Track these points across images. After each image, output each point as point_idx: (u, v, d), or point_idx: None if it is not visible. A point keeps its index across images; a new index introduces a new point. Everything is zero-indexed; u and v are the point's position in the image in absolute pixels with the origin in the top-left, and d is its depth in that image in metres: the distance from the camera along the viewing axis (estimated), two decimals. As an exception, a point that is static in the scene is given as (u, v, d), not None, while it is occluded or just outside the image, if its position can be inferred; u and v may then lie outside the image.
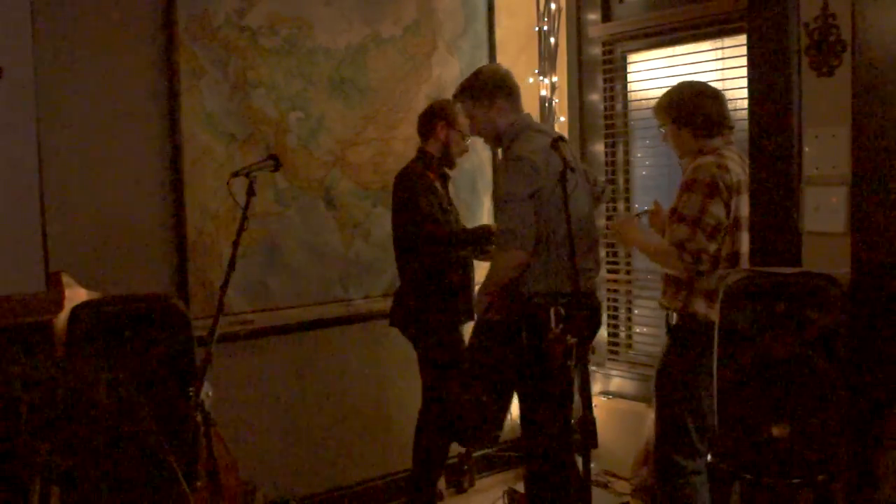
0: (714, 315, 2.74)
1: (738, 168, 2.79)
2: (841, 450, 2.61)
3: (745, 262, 2.79)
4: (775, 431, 2.63)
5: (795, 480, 2.63)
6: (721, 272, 2.72)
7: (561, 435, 2.97)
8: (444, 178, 3.52)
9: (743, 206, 2.78)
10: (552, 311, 2.73)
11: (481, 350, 2.97)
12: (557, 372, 2.84)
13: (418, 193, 3.31)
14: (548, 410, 2.93)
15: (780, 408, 2.62)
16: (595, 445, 2.23)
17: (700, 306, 2.75)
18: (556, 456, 2.94)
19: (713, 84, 3.66)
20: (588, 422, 2.23)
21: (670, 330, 2.88)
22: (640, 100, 4.04)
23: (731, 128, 2.92)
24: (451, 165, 3.51)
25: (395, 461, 3.74)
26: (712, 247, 2.69)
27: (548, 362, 2.78)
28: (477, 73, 3.10)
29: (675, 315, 2.86)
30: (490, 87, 3.01)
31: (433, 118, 3.45)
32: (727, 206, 2.71)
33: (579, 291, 2.83)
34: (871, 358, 2.75)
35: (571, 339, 2.68)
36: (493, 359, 2.94)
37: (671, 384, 2.82)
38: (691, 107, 2.85)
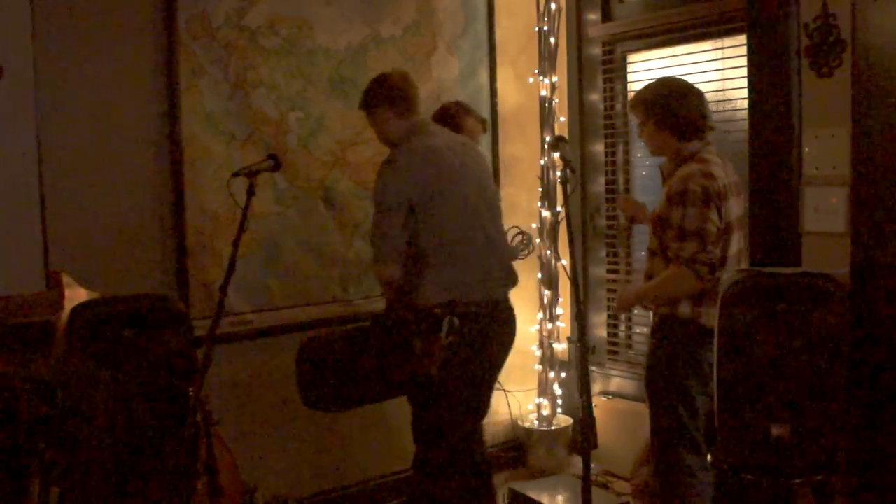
0: (701, 316, 2.73)
1: (721, 172, 2.74)
2: (841, 450, 2.61)
3: (733, 264, 2.77)
4: (775, 431, 2.62)
5: (795, 480, 2.63)
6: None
7: (456, 447, 2.91)
8: None
9: (733, 209, 2.75)
10: (446, 320, 2.68)
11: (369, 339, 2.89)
12: (439, 381, 2.76)
13: None
14: (441, 420, 2.87)
15: (780, 408, 2.62)
16: (595, 445, 2.22)
17: (686, 309, 2.73)
18: (442, 467, 2.88)
19: (713, 84, 3.68)
20: (588, 422, 2.22)
21: (653, 331, 2.88)
22: (640, 100, 4.03)
23: (712, 128, 2.86)
24: None
25: (395, 461, 3.73)
26: (718, 253, 2.69)
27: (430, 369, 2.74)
28: (370, 82, 3.04)
29: (656, 317, 2.86)
30: (374, 95, 2.96)
31: (440, 122, 3.44)
32: (719, 212, 2.68)
33: (486, 301, 2.81)
34: (871, 358, 2.76)
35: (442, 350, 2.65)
36: (369, 352, 2.87)
37: (662, 383, 2.81)
38: (674, 107, 2.78)
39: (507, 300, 3.00)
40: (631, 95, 3.27)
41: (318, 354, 2.90)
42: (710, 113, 2.86)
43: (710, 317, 2.69)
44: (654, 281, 2.81)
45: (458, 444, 2.90)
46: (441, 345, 2.67)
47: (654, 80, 2.95)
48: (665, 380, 2.79)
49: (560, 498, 3.64)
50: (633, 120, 3.09)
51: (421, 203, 2.76)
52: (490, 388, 3.06)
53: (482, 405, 3.05)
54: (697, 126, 2.78)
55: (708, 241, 2.64)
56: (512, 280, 3.01)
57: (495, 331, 2.92)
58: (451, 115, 3.42)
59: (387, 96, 2.94)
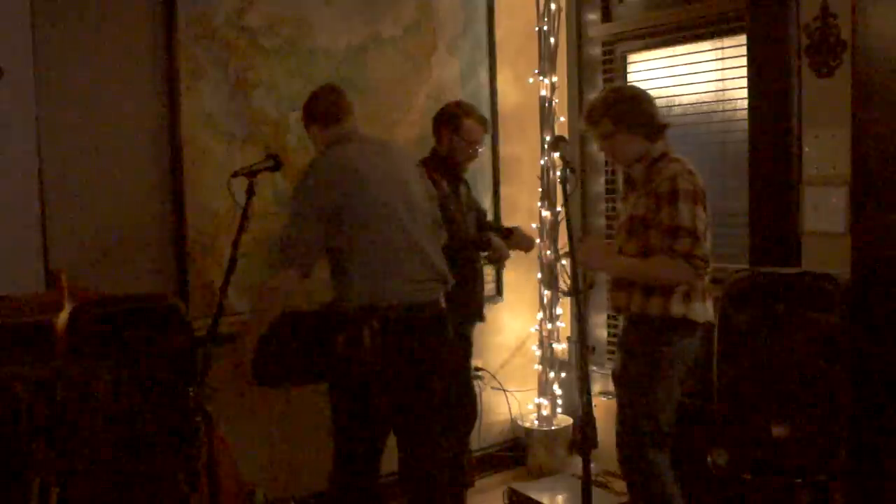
0: (690, 312, 2.68)
1: (695, 170, 2.73)
2: (841, 450, 2.61)
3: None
4: (775, 431, 2.63)
5: (795, 480, 2.63)
6: None
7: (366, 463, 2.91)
8: (455, 179, 3.45)
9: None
10: (365, 326, 2.67)
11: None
12: (374, 389, 2.77)
13: None
14: (356, 428, 2.86)
15: (780, 408, 2.63)
16: (595, 445, 2.22)
17: (679, 308, 2.69)
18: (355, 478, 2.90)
19: (713, 84, 3.69)
20: (588, 422, 2.22)
21: (636, 330, 2.80)
22: (640, 100, 4.03)
23: (668, 125, 2.82)
24: (457, 170, 3.45)
25: (394, 461, 3.73)
26: (709, 248, 2.67)
27: (354, 377, 2.74)
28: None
29: (635, 315, 2.77)
30: (305, 115, 2.96)
31: (440, 123, 3.43)
32: (704, 208, 2.67)
33: (409, 304, 2.75)
34: (871, 358, 2.76)
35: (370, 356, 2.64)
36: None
37: (648, 383, 2.75)
38: (642, 109, 2.76)
39: (434, 303, 2.89)
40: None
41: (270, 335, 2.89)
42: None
43: (698, 312, 2.69)
44: (643, 261, 2.71)
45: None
46: (365, 348, 2.68)
47: (603, 91, 2.87)
48: (651, 380, 2.74)
49: (560, 498, 3.64)
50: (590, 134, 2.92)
51: (334, 210, 2.73)
52: (427, 394, 2.92)
53: (420, 412, 2.93)
54: (660, 126, 2.77)
55: (700, 236, 2.63)
56: (441, 281, 2.91)
57: (421, 334, 2.83)
58: (451, 116, 3.41)
59: (314, 114, 2.93)
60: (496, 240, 3.50)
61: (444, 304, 2.93)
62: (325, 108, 2.91)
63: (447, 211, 3.33)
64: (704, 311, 2.73)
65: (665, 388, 2.74)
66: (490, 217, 4.04)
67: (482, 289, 3.63)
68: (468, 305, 3.45)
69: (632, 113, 2.75)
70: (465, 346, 3.53)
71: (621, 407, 2.89)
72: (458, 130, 3.37)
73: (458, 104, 3.49)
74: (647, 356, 2.76)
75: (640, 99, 2.80)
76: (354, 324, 2.71)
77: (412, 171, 3.00)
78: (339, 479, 2.92)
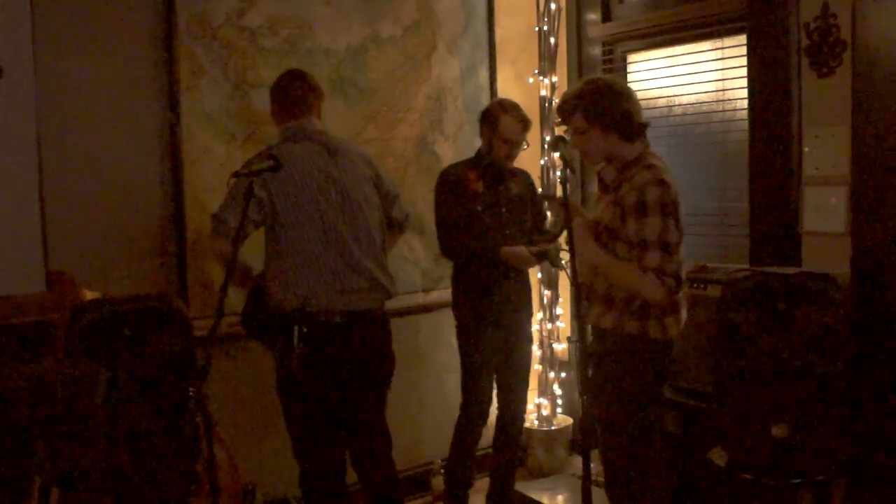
0: (667, 329, 2.51)
1: (671, 178, 2.48)
2: (841, 450, 2.61)
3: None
4: (775, 431, 2.63)
5: (795, 480, 2.63)
6: None
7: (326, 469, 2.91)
8: (494, 178, 3.40)
9: (682, 217, 2.53)
10: (295, 328, 2.68)
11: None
12: (310, 392, 2.77)
13: (440, 194, 3.36)
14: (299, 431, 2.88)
15: (780, 408, 2.63)
16: (595, 445, 2.22)
17: (633, 326, 2.52)
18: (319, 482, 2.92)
19: (713, 84, 3.69)
20: (588, 422, 2.22)
21: (610, 352, 2.58)
22: (640, 100, 4.03)
23: (647, 125, 2.62)
24: (497, 169, 3.39)
25: (395, 461, 3.73)
26: (681, 261, 2.48)
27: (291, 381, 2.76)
28: None
29: (610, 335, 2.58)
30: (271, 97, 2.94)
31: (482, 122, 3.40)
32: (676, 221, 2.46)
33: (343, 311, 2.75)
34: (872, 357, 2.76)
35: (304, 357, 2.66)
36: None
37: (630, 409, 2.56)
38: (613, 108, 2.53)
39: (371, 311, 2.87)
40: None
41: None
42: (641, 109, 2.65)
43: (673, 327, 2.54)
44: (620, 262, 2.51)
45: (324, 464, 2.90)
46: (295, 353, 2.68)
47: (579, 82, 2.67)
48: (633, 405, 2.57)
49: (560, 498, 3.65)
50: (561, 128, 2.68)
51: (273, 208, 2.74)
52: (362, 403, 2.93)
53: (351, 421, 2.94)
54: (639, 125, 2.57)
55: (672, 251, 2.44)
56: (379, 290, 2.89)
57: (354, 341, 2.82)
58: (490, 114, 3.36)
59: (274, 96, 2.93)
60: (512, 250, 3.38)
61: (382, 313, 2.93)
62: (286, 96, 2.89)
63: (473, 213, 3.32)
64: (670, 326, 2.54)
65: (645, 413, 2.58)
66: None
67: (511, 284, 3.47)
68: (501, 301, 3.40)
69: (608, 109, 2.53)
70: (488, 344, 3.45)
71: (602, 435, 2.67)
72: (496, 129, 3.33)
73: (500, 102, 3.43)
74: (611, 381, 2.57)
75: (617, 94, 2.55)
76: (286, 327, 2.72)
77: (362, 176, 2.92)
78: (305, 483, 2.95)
